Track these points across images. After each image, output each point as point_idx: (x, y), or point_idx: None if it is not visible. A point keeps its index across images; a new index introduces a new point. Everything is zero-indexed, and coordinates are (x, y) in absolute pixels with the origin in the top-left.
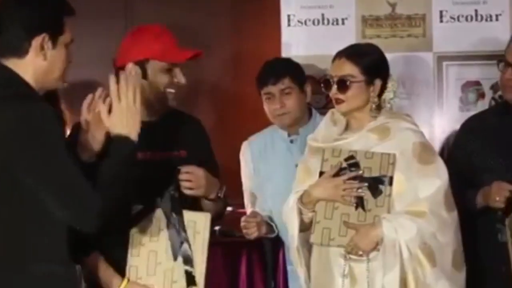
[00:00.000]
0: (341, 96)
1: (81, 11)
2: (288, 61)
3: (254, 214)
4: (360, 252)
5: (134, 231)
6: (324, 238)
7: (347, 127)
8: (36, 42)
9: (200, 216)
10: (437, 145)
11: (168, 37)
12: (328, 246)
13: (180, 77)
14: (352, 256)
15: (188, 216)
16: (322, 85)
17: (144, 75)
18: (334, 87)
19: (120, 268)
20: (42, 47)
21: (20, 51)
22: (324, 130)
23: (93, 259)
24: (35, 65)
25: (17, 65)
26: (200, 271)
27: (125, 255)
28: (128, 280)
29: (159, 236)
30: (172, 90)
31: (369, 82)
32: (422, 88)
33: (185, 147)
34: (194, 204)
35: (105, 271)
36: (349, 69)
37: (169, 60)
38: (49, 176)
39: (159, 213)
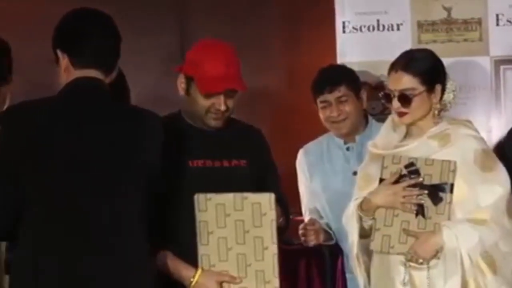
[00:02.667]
0: (404, 110)
1: (137, 27)
2: (343, 68)
3: (312, 221)
4: (420, 260)
5: (199, 220)
6: (384, 245)
7: (407, 133)
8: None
9: (264, 197)
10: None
11: (218, 63)
12: (388, 253)
13: (219, 104)
14: (412, 264)
15: (252, 198)
16: (382, 99)
17: (188, 91)
18: (396, 101)
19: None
20: None
21: (112, 69)
22: (384, 136)
23: (163, 256)
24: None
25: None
26: (272, 251)
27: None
28: (202, 269)
29: (226, 222)
30: (213, 114)
31: (430, 90)
32: (479, 93)
33: (245, 157)
34: None
35: (177, 265)
36: (408, 82)
37: (203, 90)
38: None
39: (222, 199)
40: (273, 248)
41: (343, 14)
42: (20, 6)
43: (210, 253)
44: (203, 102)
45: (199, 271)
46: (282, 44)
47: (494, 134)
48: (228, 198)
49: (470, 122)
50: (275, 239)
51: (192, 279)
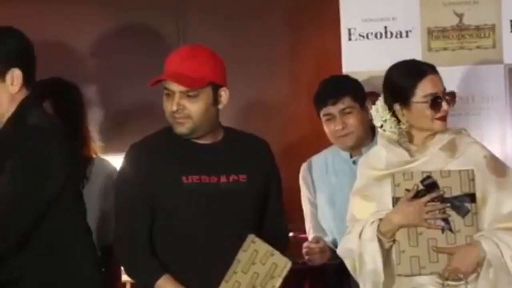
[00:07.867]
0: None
1: (134, 30)
2: (347, 78)
3: (317, 239)
4: (461, 276)
5: (237, 258)
6: (413, 267)
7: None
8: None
9: (282, 261)
10: (509, 161)
11: (173, 60)
12: (419, 275)
13: (171, 105)
14: (450, 282)
15: (275, 258)
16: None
17: None
18: (444, 103)
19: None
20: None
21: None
22: (386, 155)
23: (164, 282)
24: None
25: None
26: None
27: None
28: None
29: (249, 270)
30: (175, 119)
31: None
32: (492, 102)
33: (245, 171)
34: None
35: None
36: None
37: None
38: None
39: (260, 247)
40: None
41: (349, 21)
42: None
43: None
44: (165, 107)
45: None
46: (285, 52)
47: (509, 145)
48: (264, 248)
49: (465, 130)
50: None
51: None
